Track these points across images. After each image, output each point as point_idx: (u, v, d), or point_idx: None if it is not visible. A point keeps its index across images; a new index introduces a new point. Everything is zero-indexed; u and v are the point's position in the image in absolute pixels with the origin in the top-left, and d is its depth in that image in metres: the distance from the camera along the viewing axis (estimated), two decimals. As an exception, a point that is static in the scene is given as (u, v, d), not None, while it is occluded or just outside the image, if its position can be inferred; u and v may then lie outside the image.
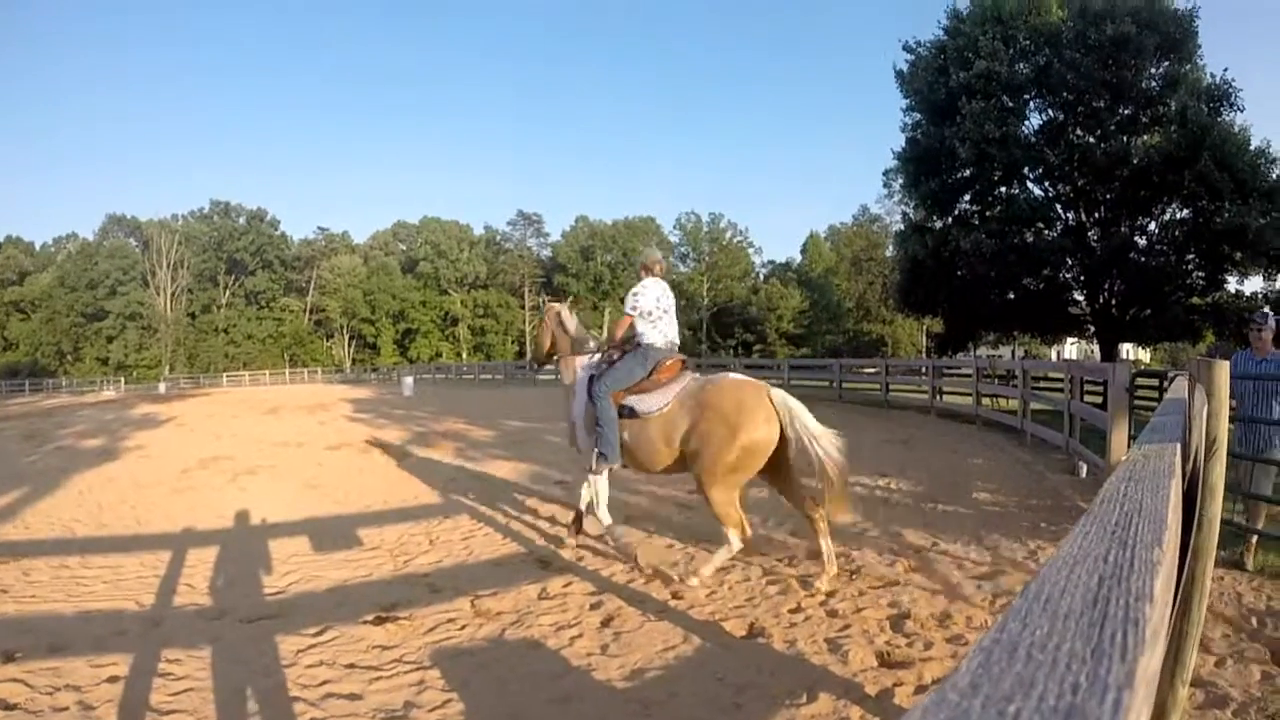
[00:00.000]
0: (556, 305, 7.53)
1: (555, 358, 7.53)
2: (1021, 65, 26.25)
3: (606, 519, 6.87)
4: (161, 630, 5.45)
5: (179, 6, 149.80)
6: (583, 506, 7.18)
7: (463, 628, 5.24)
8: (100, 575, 6.93)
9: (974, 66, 25.63)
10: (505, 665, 4.58)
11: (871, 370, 27.37)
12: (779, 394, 6.04)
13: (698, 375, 6.58)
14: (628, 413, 6.44)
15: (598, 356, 6.92)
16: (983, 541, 6.79)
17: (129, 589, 6.45)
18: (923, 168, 28.58)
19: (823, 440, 5.85)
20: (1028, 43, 26.55)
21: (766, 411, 5.91)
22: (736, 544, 5.92)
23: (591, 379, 6.73)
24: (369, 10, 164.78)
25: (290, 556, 7.34)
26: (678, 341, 6.89)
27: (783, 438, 5.96)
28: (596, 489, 6.85)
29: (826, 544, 5.92)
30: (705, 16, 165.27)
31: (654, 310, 6.69)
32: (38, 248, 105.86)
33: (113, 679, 4.61)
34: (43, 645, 5.18)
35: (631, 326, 6.75)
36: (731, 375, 6.41)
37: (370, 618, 5.45)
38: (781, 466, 6.15)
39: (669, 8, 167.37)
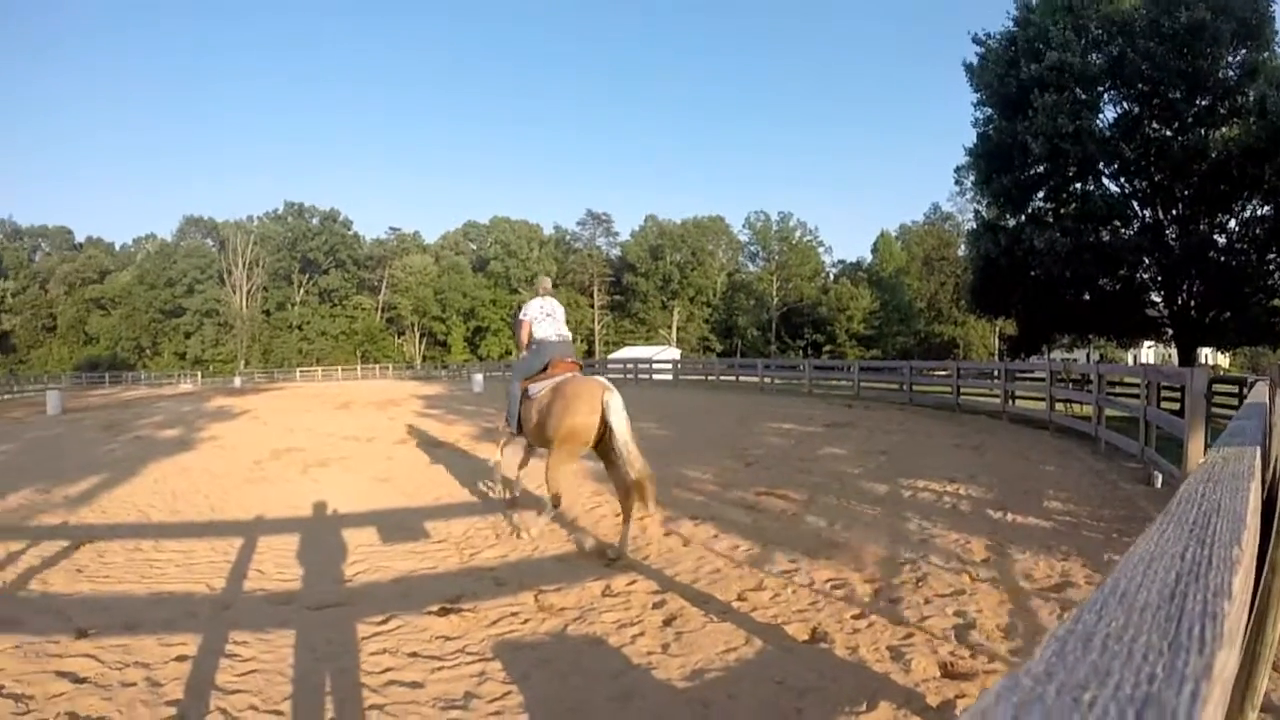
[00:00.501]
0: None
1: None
2: (1094, 56, 25.40)
3: (501, 469, 9.63)
4: (230, 614, 5.60)
5: (253, 12, 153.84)
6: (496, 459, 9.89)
7: (525, 622, 5.26)
8: (173, 559, 7.16)
9: (1045, 58, 24.92)
10: (566, 660, 4.58)
11: (943, 373, 26.83)
12: (611, 397, 7.37)
13: (579, 375, 8.16)
14: (526, 396, 8.40)
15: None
16: (1053, 552, 6.52)
17: (200, 573, 6.65)
18: (995, 164, 27.94)
19: (624, 431, 7.24)
20: (1100, 32, 25.66)
21: (592, 404, 7.32)
22: (551, 509, 7.70)
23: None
24: (436, 15, 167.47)
25: (358, 547, 7.47)
26: (567, 335, 8.87)
27: (608, 427, 7.23)
28: (501, 447, 9.68)
29: (626, 528, 7.07)
30: (774, 12, 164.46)
31: (539, 316, 8.74)
32: (118, 248, 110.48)
33: (181, 658, 4.76)
34: (115, 623, 5.37)
35: (529, 330, 8.68)
36: (590, 377, 7.98)
37: (435, 608, 5.52)
38: (608, 453, 7.39)
39: (734, 5, 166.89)
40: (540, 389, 8.16)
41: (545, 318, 8.81)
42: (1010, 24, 28.15)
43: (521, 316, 8.90)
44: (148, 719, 4.01)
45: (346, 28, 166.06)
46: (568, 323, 9.20)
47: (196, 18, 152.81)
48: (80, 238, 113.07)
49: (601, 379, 7.75)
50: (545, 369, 8.28)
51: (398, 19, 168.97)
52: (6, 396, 44.08)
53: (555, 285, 56.62)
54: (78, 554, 7.42)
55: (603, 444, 7.41)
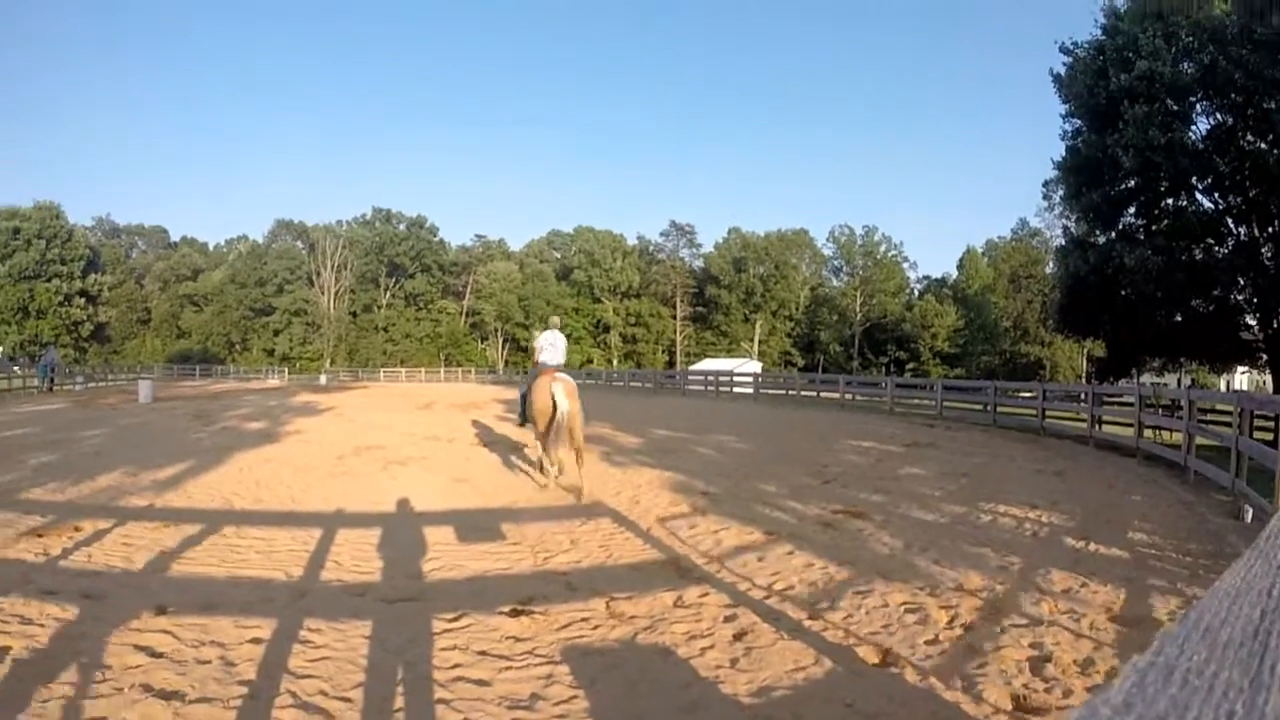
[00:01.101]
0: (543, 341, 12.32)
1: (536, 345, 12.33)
2: (1185, 65, 24.11)
3: (537, 454, 12.04)
4: (306, 601, 5.75)
5: (347, 22, 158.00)
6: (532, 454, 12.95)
7: (595, 628, 5.27)
8: (253, 546, 7.39)
9: (1135, 67, 23.76)
10: (634, 668, 4.56)
11: (1028, 394, 26.12)
12: (558, 385, 10.82)
13: (551, 375, 11.18)
14: (525, 392, 11.83)
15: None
16: (1135, 586, 6.25)
17: (279, 561, 6.84)
18: (1084, 178, 26.90)
19: (564, 407, 10.60)
20: (1190, 39, 24.35)
21: (545, 390, 10.83)
22: (551, 468, 11.26)
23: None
24: (523, 29, 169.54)
25: (434, 544, 7.59)
26: (562, 361, 11.91)
27: (554, 405, 10.60)
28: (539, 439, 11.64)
29: (580, 473, 10.83)
30: (859, 25, 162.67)
31: (544, 345, 11.88)
32: (211, 248, 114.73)
33: (256, 640, 4.90)
34: (194, 603, 5.57)
35: (538, 354, 11.91)
36: (556, 374, 11.21)
37: (506, 609, 5.56)
38: (558, 424, 10.61)
39: (817, 15, 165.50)
40: (527, 387, 11.64)
41: (548, 346, 11.94)
42: (1098, 32, 26.99)
43: (536, 344, 12.23)
44: (220, 696, 4.12)
45: (435, 39, 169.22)
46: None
47: (290, 24, 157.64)
48: (175, 237, 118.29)
49: (565, 377, 11.31)
50: (536, 377, 11.41)
51: (485, 31, 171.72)
52: (101, 384, 45.78)
53: (638, 295, 70.47)
54: (162, 534, 7.70)
55: (555, 418, 10.67)
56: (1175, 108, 24.62)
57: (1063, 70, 28.00)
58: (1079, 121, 27.79)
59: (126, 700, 4.04)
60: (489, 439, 16.87)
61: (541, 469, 11.72)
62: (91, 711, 3.91)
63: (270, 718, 3.93)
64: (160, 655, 4.63)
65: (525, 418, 11.88)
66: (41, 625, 5.06)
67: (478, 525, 8.46)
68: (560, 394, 10.69)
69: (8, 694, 4.07)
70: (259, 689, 4.21)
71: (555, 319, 13.59)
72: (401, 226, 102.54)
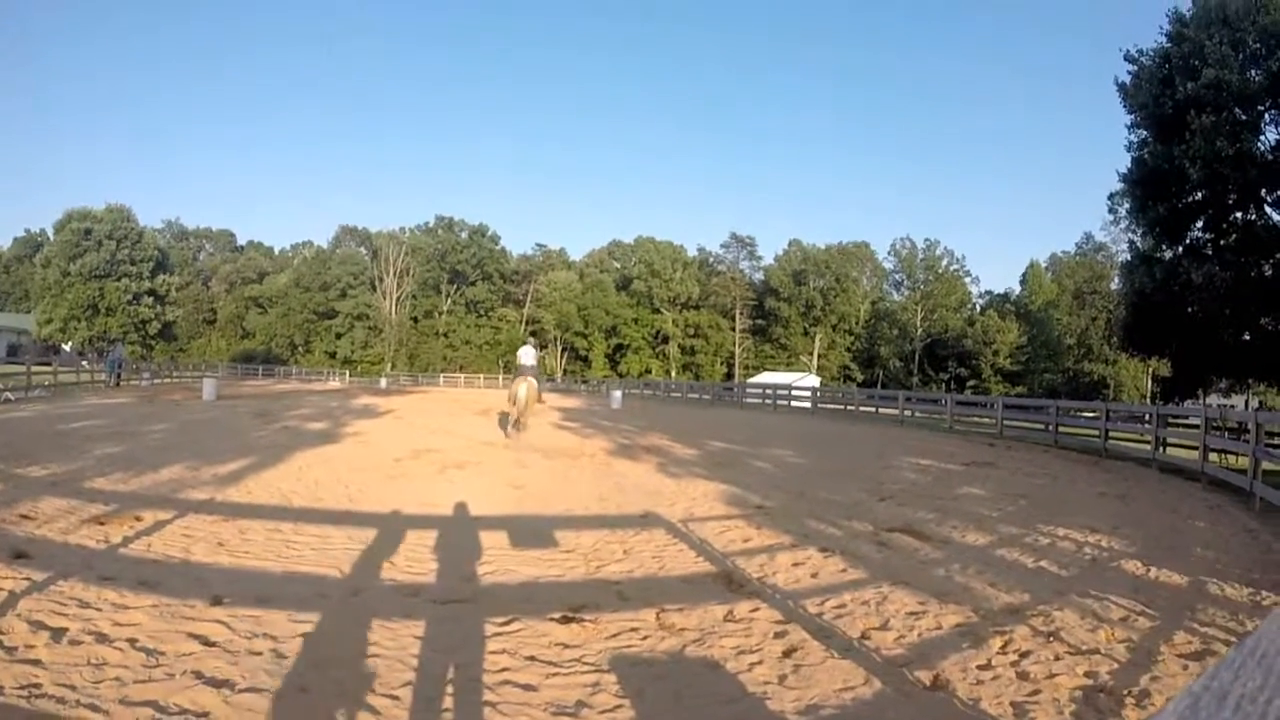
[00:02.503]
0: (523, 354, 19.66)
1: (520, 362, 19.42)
2: (1253, 72, 23.35)
3: (509, 428, 18.50)
4: (359, 599, 5.84)
5: (409, 38, 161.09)
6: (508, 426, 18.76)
7: (645, 638, 5.25)
8: (309, 543, 7.54)
9: (1201, 75, 23.09)
10: (682, 680, 4.55)
11: (1090, 414, 25.51)
12: (521, 384, 18.05)
13: (522, 378, 18.28)
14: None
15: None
16: (1195, 615, 6.06)
17: (334, 558, 6.97)
18: (1150, 191, 26.11)
19: (520, 395, 17.86)
20: (1258, 46, 23.64)
21: (515, 386, 18.27)
22: (513, 426, 18.33)
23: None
24: (589, 40, 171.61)
25: (488, 548, 7.65)
26: (532, 364, 18.85)
27: (517, 395, 17.95)
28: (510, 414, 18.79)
29: (520, 429, 18.24)
30: (918, 33, 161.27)
31: (523, 354, 19.19)
32: (276, 252, 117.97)
33: (307, 635, 4.98)
34: (249, 595, 5.69)
35: (519, 360, 19.35)
36: (523, 378, 18.29)
37: (557, 615, 5.57)
38: (519, 404, 17.88)
39: (880, 27, 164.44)
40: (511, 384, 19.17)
41: (524, 356, 19.31)
42: (1164, 39, 26.31)
43: (517, 355, 20.09)
44: (269, 687, 4.20)
45: (499, 53, 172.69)
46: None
47: (356, 38, 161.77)
48: (242, 241, 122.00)
49: (530, 379, 18.31)
50: (516, 376, 19.02)
51: (549, 47, 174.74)
52: (166, 381, 46.95)
53: (698, 306, 76.98)
54: (220, 528, 7.88)
55: (524, 403, 18.07)
56: (1244, 117, 23.83)
57: (1128, 79, 27.32)
58: (1144, 132, 27.08)
59: (178, 686, 4.15)
60: (545, 446, 16.97)
61: (506, 430, 18.80)
62: (143, 694, 4.02)
63: (318, 711, 3.99)
64: (213, 644, 4.75)
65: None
66: (98, 609, 5.23)
67: (532, 531, 8.51)
68: (521, 388, 18.02)
69: (61, 674, 4.20)
70: (308, 682, 4.29)
71: (531, 339, 24.05)
72: (464, 234, 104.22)
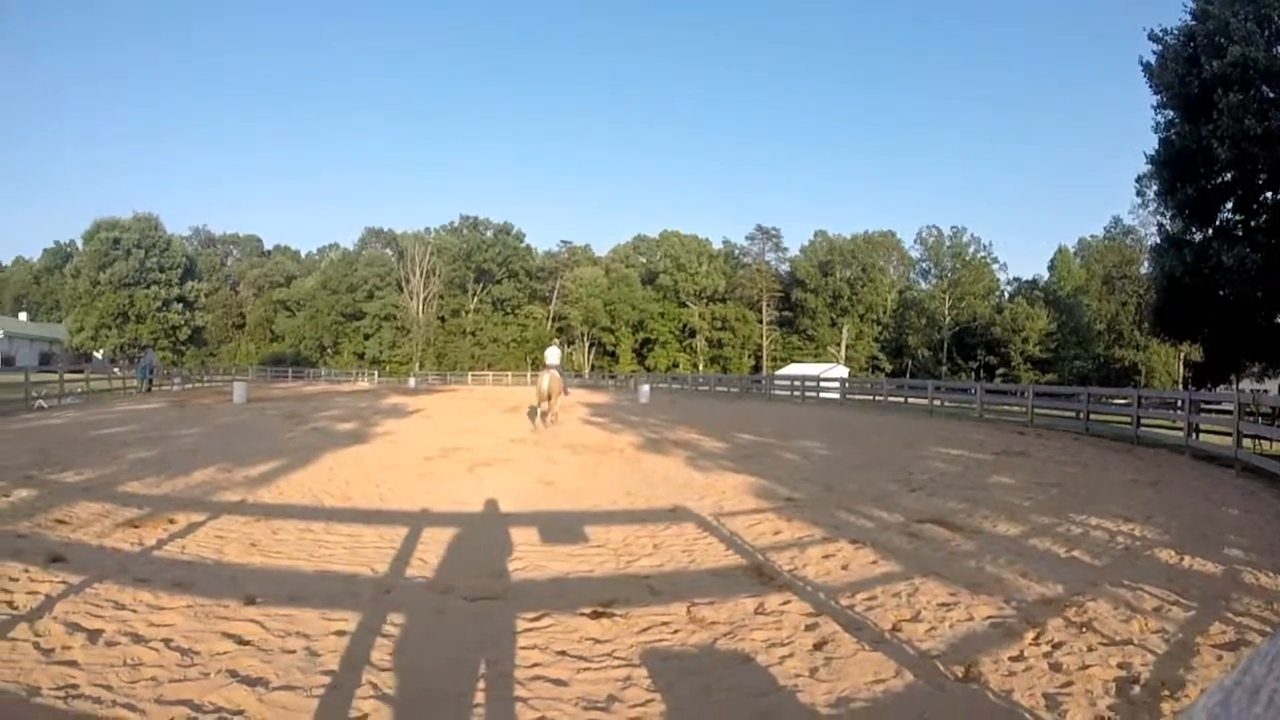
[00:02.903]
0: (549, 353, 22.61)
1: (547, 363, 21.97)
2: (1279, 49, 23.34)
3: (538, 419, 21.72)
4: (391, 597, 5.89)
5: (431, 38, 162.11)
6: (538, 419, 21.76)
7: (675, 632, 5.26)
8: (341, 542, 7.61)
9: (1227, 53, 22.65)
10: (712, 674, 4.54)
11: (1121, 401, 25.22)
12: (544, 376, 20.87)
13: (547, 372, 20.97)
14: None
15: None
16: (1231, 605, 5.97)
17: (365, 557, 7.03)
18: (1178, 172, 25.63)
19: (544, 386, 20.79)
20: None
21: (540, 381, 21.02)
22: (542, 419, 21.21)
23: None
24: (610, 38, 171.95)
25: (518, 545, 7.68)
26: (557, 362, 21.33)
27: (541, 388, 20.92)
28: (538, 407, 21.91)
29: (546, 421, 20.83)
30: (940, 20, 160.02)
31: (547, 357, 21.86)
32: (303, 255, 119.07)
33: (340, 633, 5.04)
34: (282, 594, 5.78)
35: (545, 359, 22.25)
36: (551, 371, 20.83)
37: (587, 611, 5.59)
38: (544, 396, 20.88)
39: (904, 14, 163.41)
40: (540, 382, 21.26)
41: (552, 355, 21.74)
42: (1188, 18, 25.89)
43: (545, 355, 22.40)
44: (303, 685, 4.26)
45: (516, 53, 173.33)
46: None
47: (379, 41, 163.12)
48: (269, 245, 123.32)
49: (555, 374, 20.72)
50: (541, 371, 21.52)
51: (568, 47, 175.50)
52: (197, 385, 47.47)
53: (724, 299, 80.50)
54: (253, 528, 7.98)
55: (546, 390, 20.66)
56: (1271, 94, 23.27)
57: (1153, 59, 26.83)
58: (1171, 112, 26.60)
59: (213, 684, 4.22)
60: (573, 442, 17.00)
61: (534, 422, 21.48)
62: (178, 694, 4.09)
63: (352, 707, 4.03)
64: (247, 643, 4.82)
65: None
66: (133, 610, 5.32)
67: (562, 527, 8.53)
68: (545, 379, 20.78)
69: (98, 674, 4.28)
70: (341, 680, 4.34)
71: (556, 340, 26.92)
72: (489, 233, 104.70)
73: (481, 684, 4.36)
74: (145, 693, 4.07)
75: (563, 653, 4.83)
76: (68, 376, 31.12)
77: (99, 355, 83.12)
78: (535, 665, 4.63)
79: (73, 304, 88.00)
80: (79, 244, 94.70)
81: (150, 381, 39.07)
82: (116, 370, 47.52)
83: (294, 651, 4.71)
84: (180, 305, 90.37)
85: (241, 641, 4.83)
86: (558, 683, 4.40)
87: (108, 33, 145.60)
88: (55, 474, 10.88)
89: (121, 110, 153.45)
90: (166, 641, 4.77)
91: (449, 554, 7.25)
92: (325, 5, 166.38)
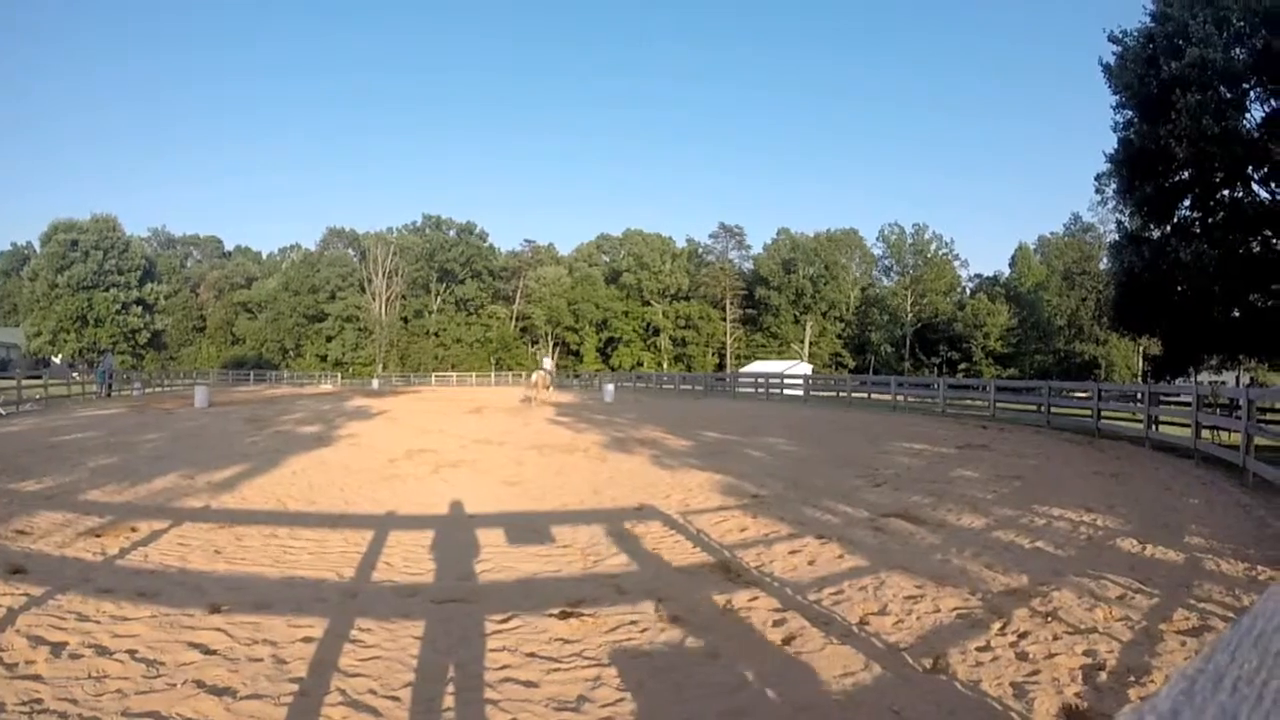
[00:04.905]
0: (544, 360, 41.39)
1: (543, 366, 36.53)
2: (1237, 50, 23.31)
3: (527, 396, 36.17)
4: (357, 601, 5.84)
5: (391, 34, 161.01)
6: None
7: (644, 631, 5.26)
8: (306, 547, 7.53)
9: (1185, 55, 23.00)
10: (682, 672, 4.55)
11: (1082, 395, 25.56)
12: (536, 372, 35.20)
13: (538, 374, 34.79)
14: (529, 380, 39.67)
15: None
16: (1192, 591, 6.10)
17: (331, 562, 6.97)
18: (1137, 171, 26.06)
19: (533, 379, 35.27)
20: (1242, 24, 23.51)
21: (530, 379, 35.98)
22: (530, 401, 34.25)
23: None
24: (564, 40, 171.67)
25: (485, 546, 7.64)
26: (549, 368, 38.36)
27: (534, 384, 34.64)
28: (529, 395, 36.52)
29: (536, 402, 33.07)
30: (900, 16, 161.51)
31: (543, 360, 41.37)
32: (264, 256, 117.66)
33: (307, 639, 4.99)
34: (247, 602, 5.70)
35: (543, 365, 37.61)
36: (544, 370, 35.56)
37: (556, 611, 5.58)
38: (535, 387, 34.59)
39: (862, 11, 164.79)
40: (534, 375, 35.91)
41: (546, 362, 39.46)
42: (1148, 19, 26.27)
43: (542, 361, 41.88)
44: (271, 693, 4.20)
45: (478, 50, 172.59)
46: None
47: (338, 36, 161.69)
48: (229, 246, 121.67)
49: (541, 372, 34.72)
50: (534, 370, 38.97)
51: (529, 43, 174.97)
52: (158, 390, 46.82)
53: (688, 298, 76.49)
54: (217, 535, 7.87)
55: (534, 382, 35.02)
56: (1229, 95, 23.75)
57: (1112, 60, 27.23)
58: (1130, 112, 27.01)
59: (179, 695, 4.16)
60: (539, 443, 16.97)
61: (525, 402, 32.52)
62: (144, 706, 4.02)
63: (320, 715, 4.00)
64: (213, 652, 4.75)
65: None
66: (97, 622, 5.22)
67: (528, 528, 8.50)
68: (534, 374, 34.05)
69: (62, 688, 4.20)
70: (309, 687, 4.30)
71: (549, 357, 46.42)
72: (451, 233, 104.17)
73: (451, 687, 4.34)
74: (111, 705, 4.00)
75: (532, 654, 4.81)
76: (26, 382, 30.52)
77: (57, 360, 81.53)
78: (505, 667, 4.60)
79: (30, 307, 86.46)
80: (36, 246, 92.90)
81: (110, 386, 38.44)
82: (75, 375, 46.77)
83: (261, 659, 4.64)
84: (139, 308, 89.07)
85: (208, 651, 4.76)
86: (528, 684, 4.38)
87: (64, 30, 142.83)
88: (14, 483, 10.64)
89: (79, 110, 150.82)
90: (131, 653, 4.68)
91: (416, 557, 7.20)
92: (286, 3, 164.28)
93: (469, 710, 4.08)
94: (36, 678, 4.31)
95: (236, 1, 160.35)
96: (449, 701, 4.18)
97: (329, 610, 5.58)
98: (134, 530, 7.95)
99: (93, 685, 4.24)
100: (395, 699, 4.17)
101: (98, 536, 7.66)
